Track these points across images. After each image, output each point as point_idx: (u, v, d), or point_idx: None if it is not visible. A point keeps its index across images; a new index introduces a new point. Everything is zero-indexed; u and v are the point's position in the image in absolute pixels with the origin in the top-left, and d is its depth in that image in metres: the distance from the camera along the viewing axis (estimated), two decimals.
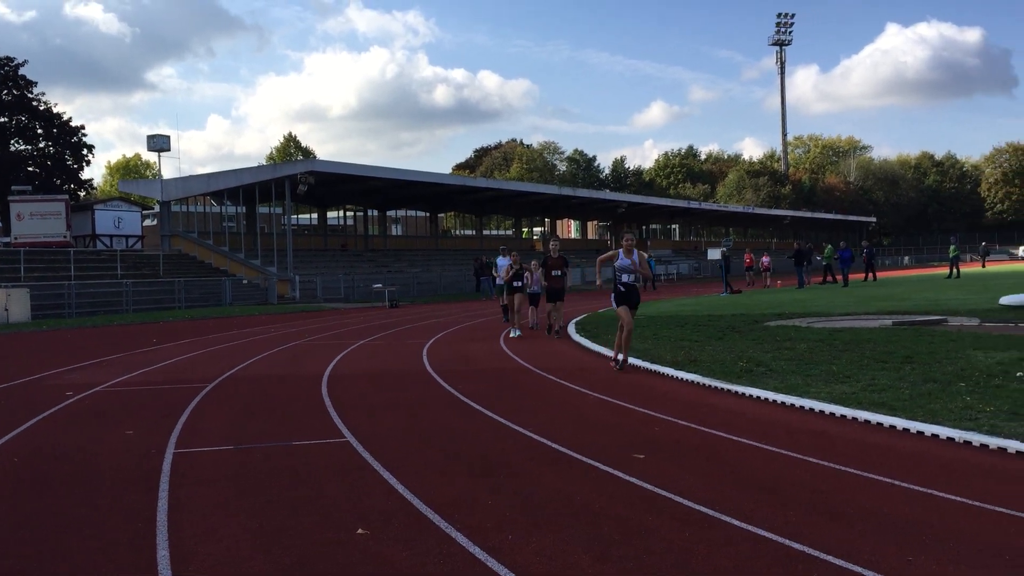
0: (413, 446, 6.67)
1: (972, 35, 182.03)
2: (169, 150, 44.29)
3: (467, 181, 55.09)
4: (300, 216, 62.53)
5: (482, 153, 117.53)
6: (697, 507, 4.74)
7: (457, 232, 73.55)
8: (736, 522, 4.45)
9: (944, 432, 6.33)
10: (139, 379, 11.51)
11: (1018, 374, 8.71)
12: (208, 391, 10.12)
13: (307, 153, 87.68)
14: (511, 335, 16.45)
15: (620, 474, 5.54)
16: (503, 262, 19.63)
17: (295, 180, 38.16)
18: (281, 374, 11.88)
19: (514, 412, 8.07)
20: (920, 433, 6.46)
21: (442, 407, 8.59)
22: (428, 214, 61.52)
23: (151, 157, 75.39)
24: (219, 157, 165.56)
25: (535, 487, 5.29)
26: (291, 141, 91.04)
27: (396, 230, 65.00)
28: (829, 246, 41.30)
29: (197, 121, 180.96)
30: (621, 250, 11.31)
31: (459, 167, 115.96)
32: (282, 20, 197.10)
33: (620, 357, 11.26)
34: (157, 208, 45.37)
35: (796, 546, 4.04)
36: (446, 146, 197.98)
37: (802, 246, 38.10)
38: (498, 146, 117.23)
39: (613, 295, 11.35)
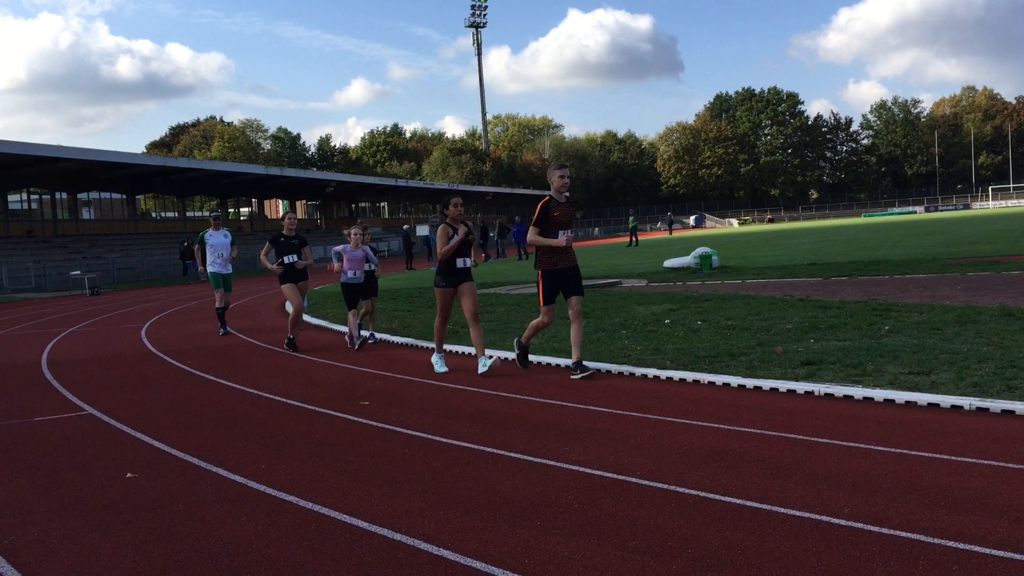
0: (156, 411, 7.29)
1: (643, 22, 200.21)
2: None
3: (168, 161, 52.76)
4: None
5: (179, 131, 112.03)
6: (415, 432, 5.92)
7: (158, 215, 70.05)
8: (442, 439, 5.67)
9: (604, 366, 8.01)
10: None
11: (666, 321, 10.79)
12: None
13: None
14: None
15: (350, 416, 6.61)
16: (218, 239, 13.31)
17: None
18: None
19: (248, 380, 8.84)
20: None
21: (176, 380, 9.15)
22: (125, 196, 58.18)
23: None
24: None
25: (277, 432, 6.21)
26: None
27: (88, 214, 60.76)
28: (632, 216, 48.22)
29: None
30: None
31: (155, 146, 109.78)
32: None
33: None
34: None
35: (488, 449, 5.33)
36: (135, 123, 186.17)
37: (503, 222, 41.05)
38: (196, 124, 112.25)
39: None
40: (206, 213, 75.36)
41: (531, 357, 8.68)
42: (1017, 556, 3.24)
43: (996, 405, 5.48)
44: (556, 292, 8.00)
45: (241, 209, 74.75)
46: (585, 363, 7.91)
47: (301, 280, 11.58)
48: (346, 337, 11.36)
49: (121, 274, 41.88)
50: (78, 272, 33.25)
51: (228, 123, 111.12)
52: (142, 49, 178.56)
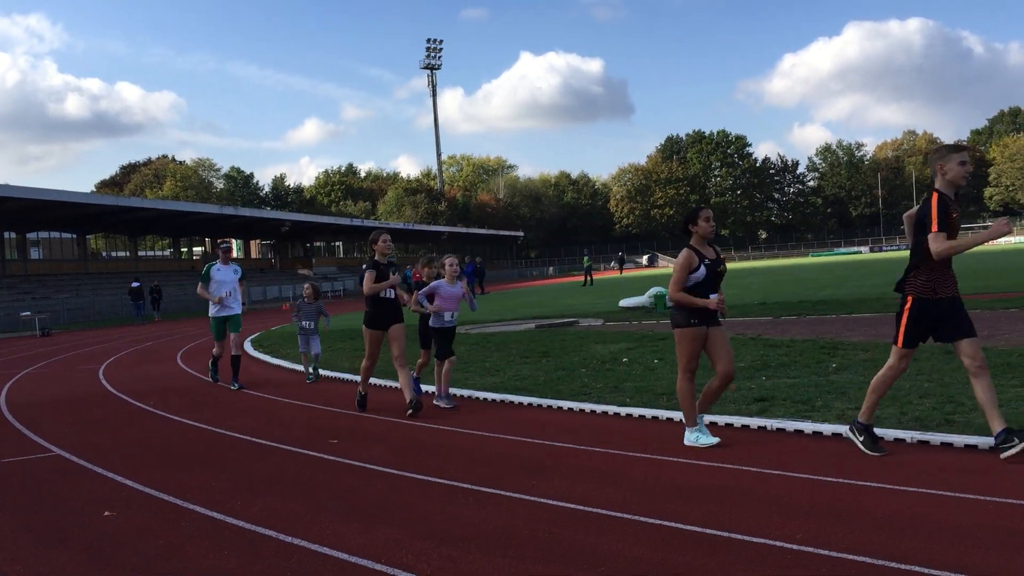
0: (124, 452, 7.36)
1: (594, 65, 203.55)
2: None
3: (120, 201, 52.26)
4: None
5: (130, 169, 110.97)
6: (387, 469, 6.11)
7: (108, 254, 69.14)
8: (413, 474, 5.87)
9: (566, 404, 8.27)
10: None
11: (624, 360, 11.10)
12: None
13: None
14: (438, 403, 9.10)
15: (320, 454, 6.77)
16: (226, 274, 11.48)
17: None
18: None
19: (212, 419, 8.93)
20: (549, 407, 8.35)
21: (140, 420, 9.20)
22: (75, 236, 57.40)
23: None
24: None
25: (249, 470, 6.35)
26: None
27: (37, 253, 59.81)
28: (587, 256, 49.61)
29: None
30: None
31: (105, 184, 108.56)
32: None
33: None
34: None
35: (459, 484, 5.54)
36: (83, 161, 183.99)
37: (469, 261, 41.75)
38: (148, 162, 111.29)
39: None
40: (158, 252, 74.74)
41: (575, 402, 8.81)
42: (947, 574, 3.55)
43: (936, 438, 5.84)
44: (926, 333, 5.54)
45: (194, 249, 74.12)
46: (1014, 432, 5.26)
47: (397, 322, 8.99)
48: (442, 394, 9.22)
49: (72, 315, 41.27)
50: (28, 313, 32.74)
51: (180, 162, 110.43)
52: (91, 87, 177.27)
